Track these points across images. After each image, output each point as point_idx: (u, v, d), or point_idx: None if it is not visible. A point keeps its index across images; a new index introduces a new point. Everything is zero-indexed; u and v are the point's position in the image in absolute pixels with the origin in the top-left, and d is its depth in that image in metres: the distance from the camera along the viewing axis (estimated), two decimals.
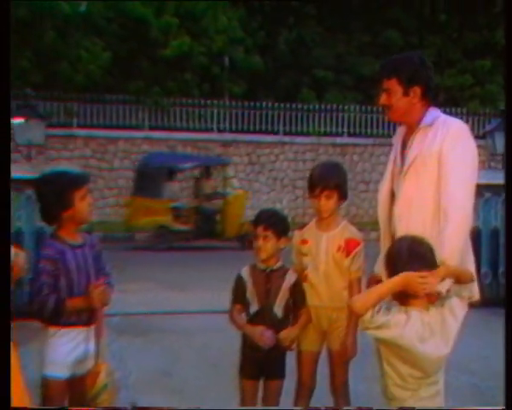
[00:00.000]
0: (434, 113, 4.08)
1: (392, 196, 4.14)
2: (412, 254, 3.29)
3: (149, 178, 18.81)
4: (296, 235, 4.60)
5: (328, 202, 4.44)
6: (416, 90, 4.02)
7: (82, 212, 4.07)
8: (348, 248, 4.47)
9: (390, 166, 4.24)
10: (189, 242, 18.41)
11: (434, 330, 3.27)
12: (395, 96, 4.03)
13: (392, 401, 3.35)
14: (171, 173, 19.81)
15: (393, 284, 3.23)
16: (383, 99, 4.09)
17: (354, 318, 4.22)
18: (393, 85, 4.02)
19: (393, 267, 3.28)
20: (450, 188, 3.84)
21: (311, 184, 4.51)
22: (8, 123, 3.16)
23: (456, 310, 3.36)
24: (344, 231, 4.54)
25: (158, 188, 19.03)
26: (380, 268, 4.02)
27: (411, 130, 4.09)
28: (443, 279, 3.36)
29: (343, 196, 4.52)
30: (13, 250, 3.32)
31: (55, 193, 4.02)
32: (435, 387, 3.35)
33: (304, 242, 4.55)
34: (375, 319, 3.18)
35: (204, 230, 18.80)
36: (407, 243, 3.37)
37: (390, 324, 3.20)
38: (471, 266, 3.92)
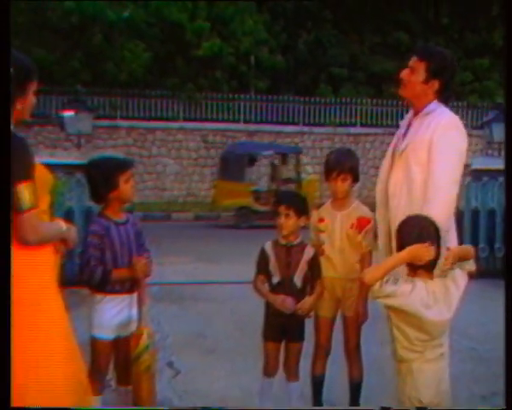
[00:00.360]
0: (435, 105, 4.01)
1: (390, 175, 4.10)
2: (422, 232, 3.26)
3: (233, 164, 18.74)
4: (314, 214, 4.59)
5: (343, 184, 4.44)
6: (435, 84, 3.95)
7: (126, 193, 4.08)
8: (360, 225, 4.46)
9: (391, 147, 4.19)
10: (267, 221, 18.36)
11: (438, 297, 3.26)
12: (417, 77, 3.96)
13: (400, 362, 3.34)
14: (252, 160, 19.77)
15: (400, 258, 3.23)
16: (405, 74, 4.00)
17: (365, 288, 4.23)
18: (420, 68, 3.94)
19: (402, 242, 3.26)
20: (436, 173, 3.79)
21: (327, 169, 4.48)
22: (8, 123, 3.15)
23: (459, 280, 3.35)
24: (356, 210, 4.52)
25: (241, 172, 18.97)
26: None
27: (415, 116, 4.04)
28: (453, 262, 3.35)
29: (356, 179, 4.50)
30: (65, 225, 3.32)
31: (103, 176, 4.03)
32: (440, 349, 3.33)
33: (321, 220, 4.54)
34: (383, 288, 3.18)
35: None
36: (418, 221, 3.35)
37: (397, 293, 3.19)
38: (453, 244, 3.84)
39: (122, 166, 4.12)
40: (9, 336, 2.99)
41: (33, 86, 3.25)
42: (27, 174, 3.04)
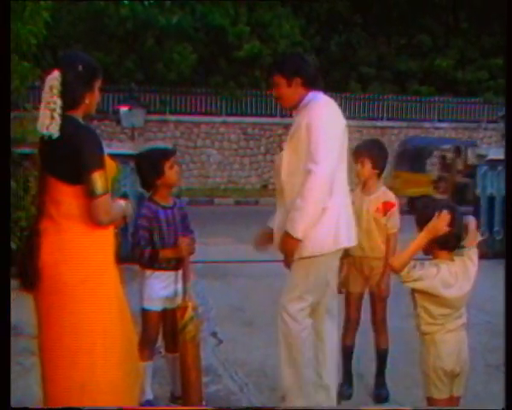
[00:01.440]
0: (312, 95, 3.92)
1: None
2: (436, 212, 3.19)
3: (413, 156, 18.34)
4: None
5: (362, 168, 4.44)
6: (298, 81, 3.89)
7: (171, 178, 4.09)
8: (385, 209, 4.43)
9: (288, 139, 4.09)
10: None
11: (458, 275, 3.23)
12: (283, 88, 3.91)
13: (424, 335, 3.30)
14: (430, 152, 19.54)
15: (421, 238, 3.17)
16: (275, 92, 3.99)
17: (387, 267, 4.19)
18: (280, 80, 3.91)
19: (425, 224, 3.20)
20: (313, 148, 3.68)
21: (352, 155, 4.47)
22: (8, 122, 3.16)
23: (474, 257, 3.30)
24: (382, 195, 4.48)
25: (421, 164, 18.65)
26: (274, 223, 3.95)
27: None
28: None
29: (376, 166, 4.44)
30: (123, 203, 3.35)
31: (150, 165, 4.06)
32: (460, 320, 3.30)
33: (351, 203, 4.50)
34: (411, 273, 3.15)
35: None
36: (440, 204, 3.30)
37: (423, 276, 3.16)
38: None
39: (165, 154, 4.15)
40: (9, 337, 3.06)
41: (98, 83, 3.28)
42: (100, 163, 3.08)
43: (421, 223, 3.24)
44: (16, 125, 8.05)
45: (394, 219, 4.44)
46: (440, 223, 3.14)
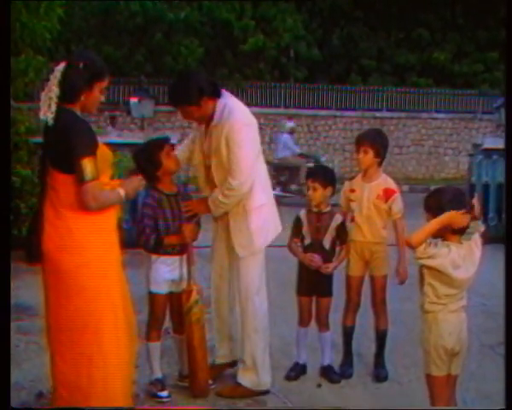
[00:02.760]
0: (221, 106, 3.96)
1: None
2: (455, 199, 3.25)
3: None
4: (346, 184, 4.58)
5: (364, 157, 4.40)
6: (204, 98, 3.91)
7: (170, 166, 4.05)
8: (386, 195, 4.42)
9: (196, 141, 4.22)
10: None
11: (466, 258, 3.25)
12: (194, 113, 3.96)
13: (427, 313, 3.31)
14: None
15: (440, 222, 3.18)
16: (189, 120, 4.26)
17: (404, 251, 4.26)
18: (187, 108, 3.95)
19: (439, 209, 3.21)
20: (232, 157, 3.85)
21: (355, 144, 4.51)
22: (8, 121, 3.18)
23: (478, 242, 3.33)
24: (383, 182, 4.47)
25: None
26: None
27: (208, 124, 4.03)
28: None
29: (378, 154, 4.42)
30: (123, 193, 3.33)
31: (147, 159, 4.01)
32: (461, 302, 3.32)
33: (352, 190, 4.51)
34: (428, 250, 3.17)
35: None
36: (451, 190, 3.34)
37: (437, 254, 3.18)
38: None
39: (160, 145, 4.06)
40: (9, 336, 3.07)
41: (100, 85, 3.25)
42: (89, 151, 3.08)
43: (432, 209, 3.25)
44: (31, 116, 8.07)
45: (398, 205, 4.43)
46: (462, 221, 3.19)
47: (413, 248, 3.19)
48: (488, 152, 10.22)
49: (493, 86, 25.59)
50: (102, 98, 3.29)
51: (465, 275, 3.25)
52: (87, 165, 3.05)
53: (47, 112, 3.14)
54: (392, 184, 4.48)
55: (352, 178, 4.61)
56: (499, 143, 10.48)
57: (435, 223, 3.18)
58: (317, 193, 4.32)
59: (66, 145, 3.07)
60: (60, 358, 3.20)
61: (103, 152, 3.25)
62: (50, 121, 3.13)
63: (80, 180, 3.05)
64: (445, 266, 3.19)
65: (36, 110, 8.43)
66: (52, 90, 3.13)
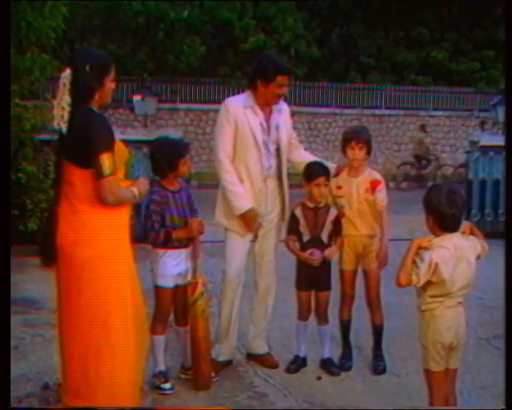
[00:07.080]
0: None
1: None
2: (449, 199, 3.15)
3: None
4: (332, 181, 4.46)
5: (360, 152, 4.39)
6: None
7: (183, 172, 4.15)
8: (373, 187, 4.40)
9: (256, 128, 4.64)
10: None
11: (461, 257, 3.19)
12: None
13: (424, 311, 3.26)
14: None
15: (411, 254, 3.12)
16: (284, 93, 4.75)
17: (384, 241, 4.25)
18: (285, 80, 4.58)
19: (429, 210, 3.19)
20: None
21: (347, 139, 4.46)
22: (8, 120, 3.18)
23: (473, 241, 3.29)
24: (368, 175, 4.45)
25: None
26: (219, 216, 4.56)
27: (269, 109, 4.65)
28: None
29: (369, 150, 4.46)
30: (137, 191, 3.35)
31: (165, 160, 4.06)
32: (458, 298, 3.26)
33: (338, 187, 4.46)
34: (419, 276, 3.10)
35: None
36: (445, 190, 3.22)
37: (425, 271, 3.10)
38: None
39: (181, 153, 4.15)
40: (9, 336, 3.07)
41: (110, 77, 3.27)
42: (108, 146, 3.09)
43: (426, 207, 3.22)
44: (37, 113, 8.08)
45: (382, 194, 4.38)
46: (424, 241, 3.15)
47: (406, 285, 3.14)
48: (485, 149, 10.26)
49: (490, 84, 25.58)
50: (114, 86, 3.31)
51: (463, 274, 3.20)
52: (105, 160, 3.06)
53: (60, 121, 3.13)
54: (377, 175, 4.48)
55: (336, 175, 4.57)
56: (495, 140, 10.55)
57: (409, 258, 3.12)
58: (325, 190, 4.32)
59: (85, 140, 3.07)
60: (68, 350, 3.22)
61: (119, 148, 3.26)
62: (64, 130, 3.14)
63: (98, 175, 3.07)
64: (435, 274, 3.11)
65: (41, 108, 8.47)
66: (63, 99, 3.13)
